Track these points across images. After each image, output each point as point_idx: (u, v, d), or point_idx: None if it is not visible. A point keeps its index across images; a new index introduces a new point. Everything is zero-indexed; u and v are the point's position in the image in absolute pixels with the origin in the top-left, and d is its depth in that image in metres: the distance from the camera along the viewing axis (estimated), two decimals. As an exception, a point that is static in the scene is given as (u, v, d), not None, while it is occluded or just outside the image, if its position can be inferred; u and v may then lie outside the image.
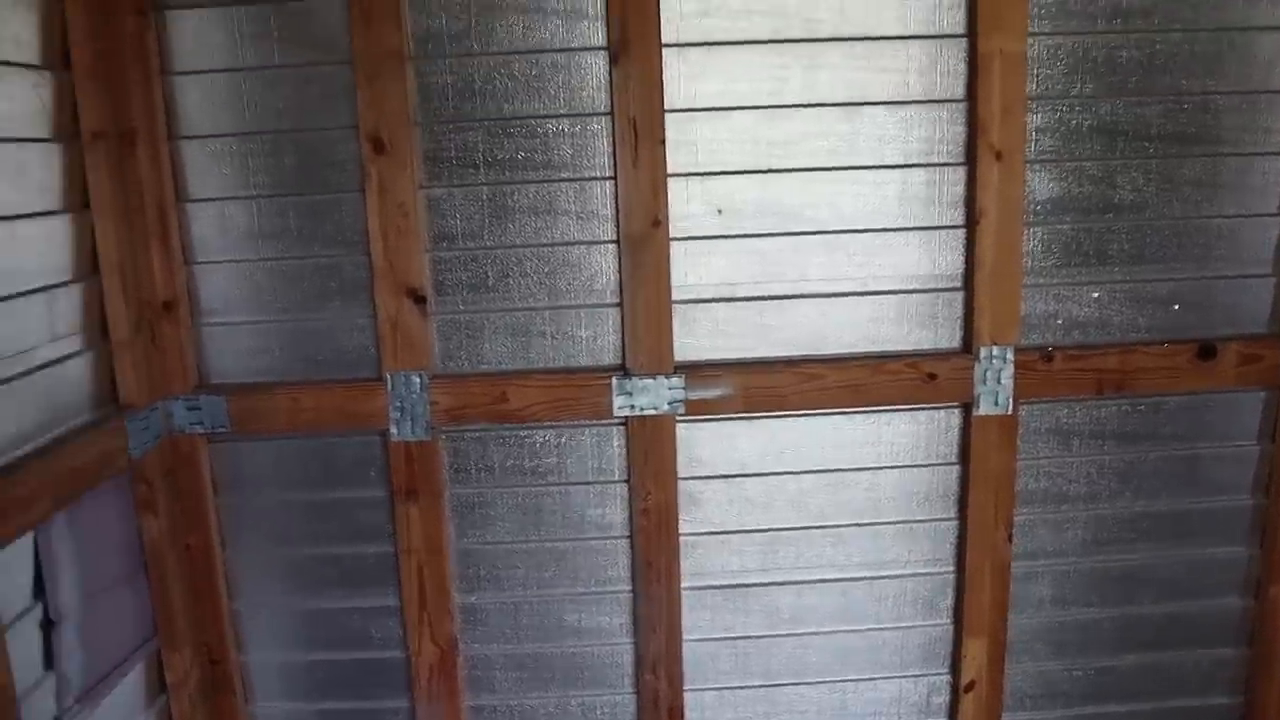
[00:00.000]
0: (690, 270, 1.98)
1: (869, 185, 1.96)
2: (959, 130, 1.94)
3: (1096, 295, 2.01)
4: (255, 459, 2.06)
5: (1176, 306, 2.03)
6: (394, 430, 2.00)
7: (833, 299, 2.01)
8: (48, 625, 1.65)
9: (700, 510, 2.08)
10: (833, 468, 2.08)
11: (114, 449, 1.81)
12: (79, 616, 1.71)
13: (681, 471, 2.06)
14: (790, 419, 2.04)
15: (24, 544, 1.58)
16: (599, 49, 1.90)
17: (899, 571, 2.14)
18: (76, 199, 1.80)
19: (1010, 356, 1.99)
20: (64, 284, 1.77)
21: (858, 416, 2.06)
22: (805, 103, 1.93)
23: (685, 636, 2.13)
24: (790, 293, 2.00)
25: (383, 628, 2.13)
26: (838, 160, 1.96)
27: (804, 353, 2.03)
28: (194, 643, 2.06)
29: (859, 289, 2.01)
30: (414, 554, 2.06)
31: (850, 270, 2.00)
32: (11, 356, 1.56)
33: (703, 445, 2.05)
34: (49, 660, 1.65)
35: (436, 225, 1.96)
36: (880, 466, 2.08)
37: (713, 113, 1.93)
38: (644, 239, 1.92)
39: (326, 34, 1.87)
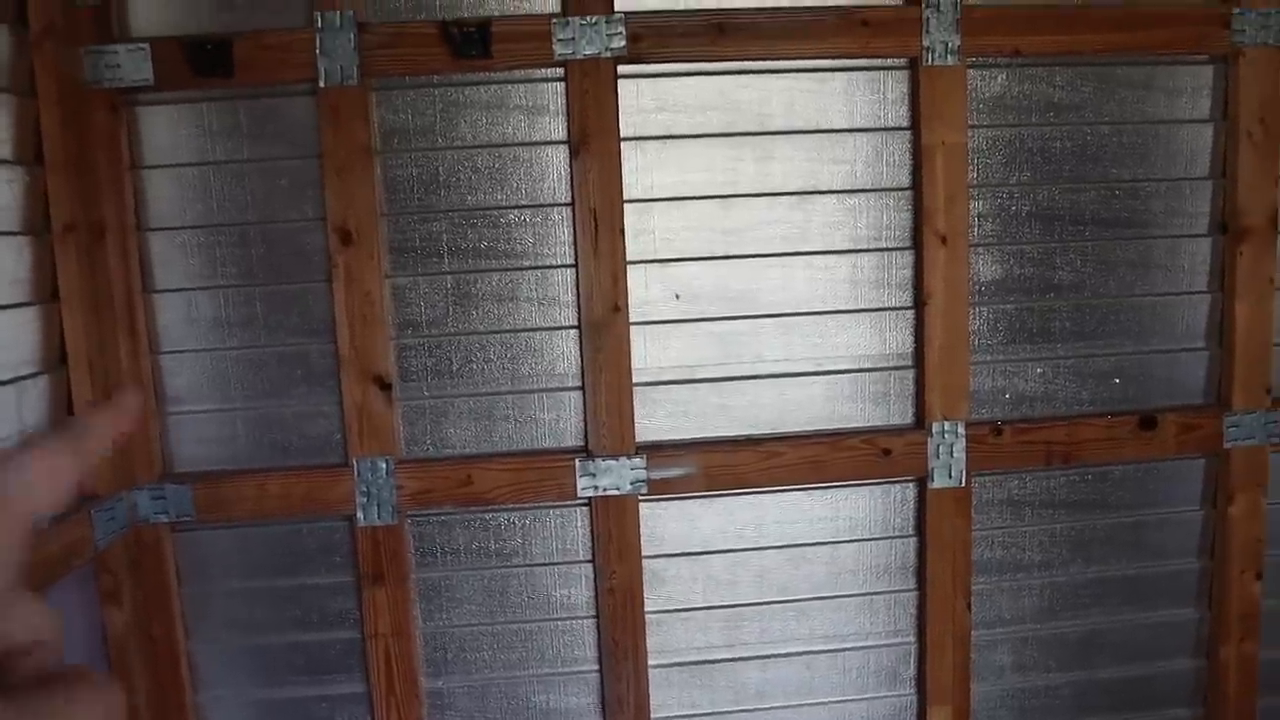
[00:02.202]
0: (650, 353, 2.18)
1: (821, 269, 2.19)
2: (905, 216, 2.19)
3: (1041, 371, 2.25)
4: (220, 547, 2.22)
5: (1117, 380, 2.28)
6: (360, 515, 2.17)
7: (789, 379, 2.23)
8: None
9: (665, 588, 2.27)
10: (793, 543, 2.28)
11: (80, 540, 1.95)
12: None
13: (645, 550, 2.25)
14: (751, 496, 2.25)
15: None
16: (560, 143, 2.11)
17: (861, 643, 2.34)
18: (46, 291, 1.96)
19: (961, 431, 2.22)
20: (33, 375, 1.92)
21: (816, 492, 2.27)
22: (758, 192, 2.16)
23: (653, 715, 2.31)
24: (748, 373, 2.21)
25: (350, 715, 2.27)
26: (790, 246, 2.18)
27: (763, 431, 2.24)
28: None
29: (814, 369, 2.23)
30: (381, 639, 2.22)
31: (805, 351, 2.22)
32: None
33: (666, 524, 2.25)
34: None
35: (402, 313, 2.15)
36: (839, 540, 2.29)
37: (670, 202, 2.15)
38: (605, 324, 2.14)
39: (295, 129, 2.07)
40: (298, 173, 2.07)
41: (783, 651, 2.30)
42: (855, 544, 2.27)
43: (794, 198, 2.14)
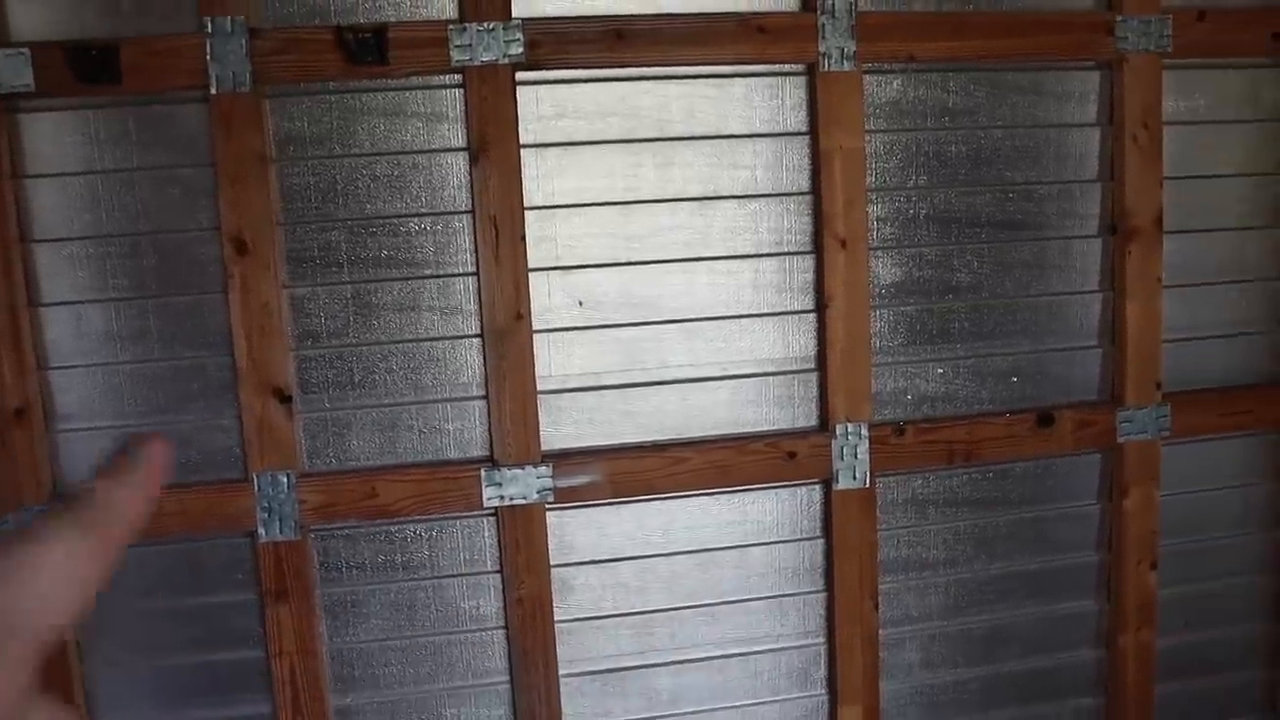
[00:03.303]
0: (554, 361, 2.26)
1: (723, 274, 2.28)
2: (806, 221, 2.29)
3: (942, 371, 2.38)
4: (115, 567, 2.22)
5: (1015, 379, 2.41)
6: (262, 531, 2.21)
7: (694, 384, 2.32)
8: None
9: (574, 596, 2.34)
10: (702, 548, 2.37)
11: None
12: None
13: (554, 559, 2.32)
14: (658, 502, 2.33)
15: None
16: (459, 150, 2.18)
17: (772, 646, 2.44)
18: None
19: (865, 432, 2.33)
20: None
21: (723, 496, 2.36)
22: (659, 198, 2.25)
23: (565, 723, 2.37)
24: (653, 379, 2.30)
25: (255, 735, 2.30)
26: (693, 252, 2.27)
27: (669, 437, 2.32)
28: None
29: (719, 373, 2.32)
30: (286, 657, 2.26)
31: (709, 356, 2.31)
32: None
33: (574, 532, 2.32)
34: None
35: (301, 324, 2.19)
36: (747, 544, 2.38)
37: (571, 209, 2.23)
38: (507, 332, 2.20)
39: (187, 137, 2.10)
40: (190, 181, 2.10)
41: (694, 657, 2.39)
42: (763, 547, 2.36)
43: (695, 203, 2.23)
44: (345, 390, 2.20)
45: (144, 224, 2.13)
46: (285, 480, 2.17)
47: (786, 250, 2.26)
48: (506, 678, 2.32)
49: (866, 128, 2.22)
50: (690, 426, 2.29)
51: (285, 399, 2.16)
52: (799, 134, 2.22)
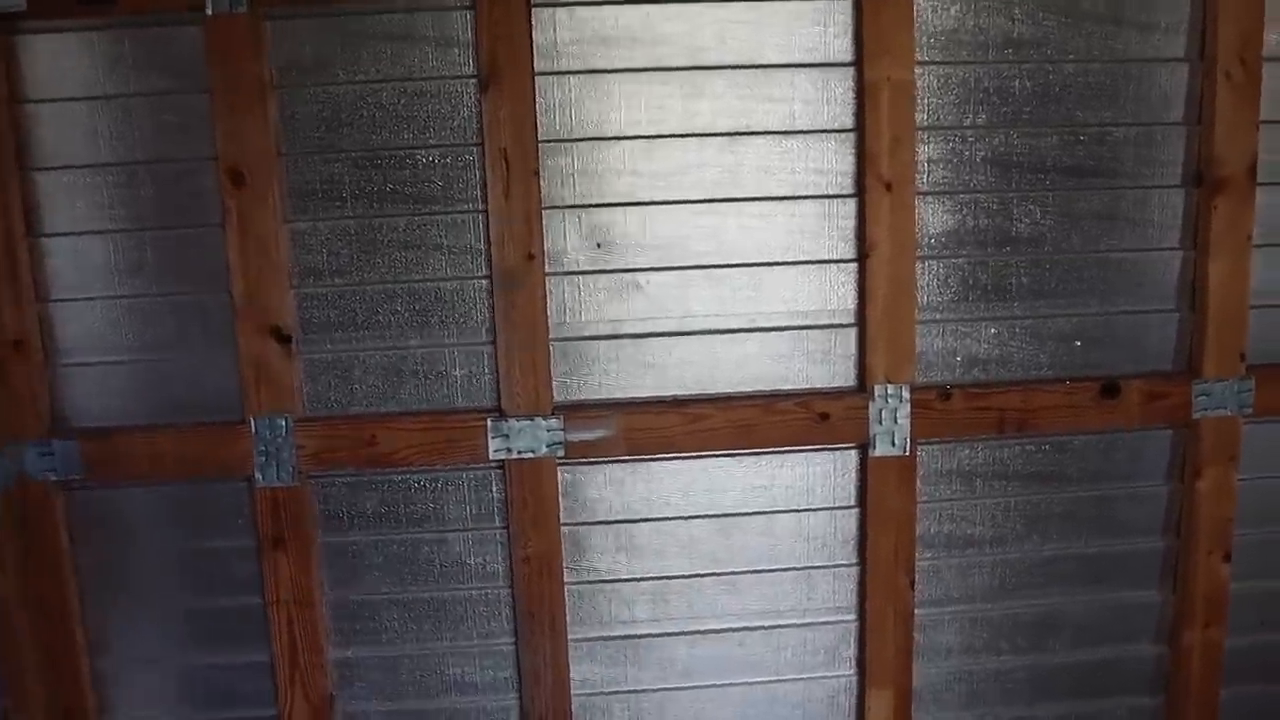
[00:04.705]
0: (569, 307, 2.20)
1: (754, 218, 2.19)
2: (848, 161, 2.18)
3: (995, 331, 2.26)
4: (115, 507, 2.26)
5: (1079, 343, 2.28)
6: (259, 476, 2.21)
7: (720, 336, 2.24)
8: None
9: (586, 558, 2.31)
10: (724, 512, 2.31)
11: None
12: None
13: (564, 517, 2.28)
14: (678, 461, 2.27)
15: None
16: (469, 77, 2.11)
17: (798, 620, 2.37)
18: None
19: (906, 395, 2.23)
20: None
21: (749, 459, 2.29)
22: (686, 133, 2.16)
23: (574, 690, 2.35)
24: (675, 329, 2.23)
25: (255, 684, 2.34)
26: (722, 192, 2.18)
27: (691, 392, 2.25)
28: (49, 705, 2.26)
29: (747, 325, 2.24)
30: (283, 606, 2.27)
31: (738, 306, 2.23)
32: None
33: (587, 489, 2.28)
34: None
35: (302, 261, 2.17)
36: (774, 510, 2.31)
37: (590, 143, 2.15)
38: (518, 274, 2.15)
39: (183, 61, 2.09)
40: (188, 109, 2.10)
41: (713, 627, 2.34)
42: (792, 514, 2.29)
43: (725, 139, 2.16)
44: (348, 331, 2.20)
45: (141, 153, 2.14)
46: (283, 424, 2.17)
47: (826, 193, 2.18)
48: (512, 639, 2.30)
49: (919, 58, 2.11)
50: (715, 381, 2.24)
51: (285, 339, 2.15)
52: (843, 64, 2.12)
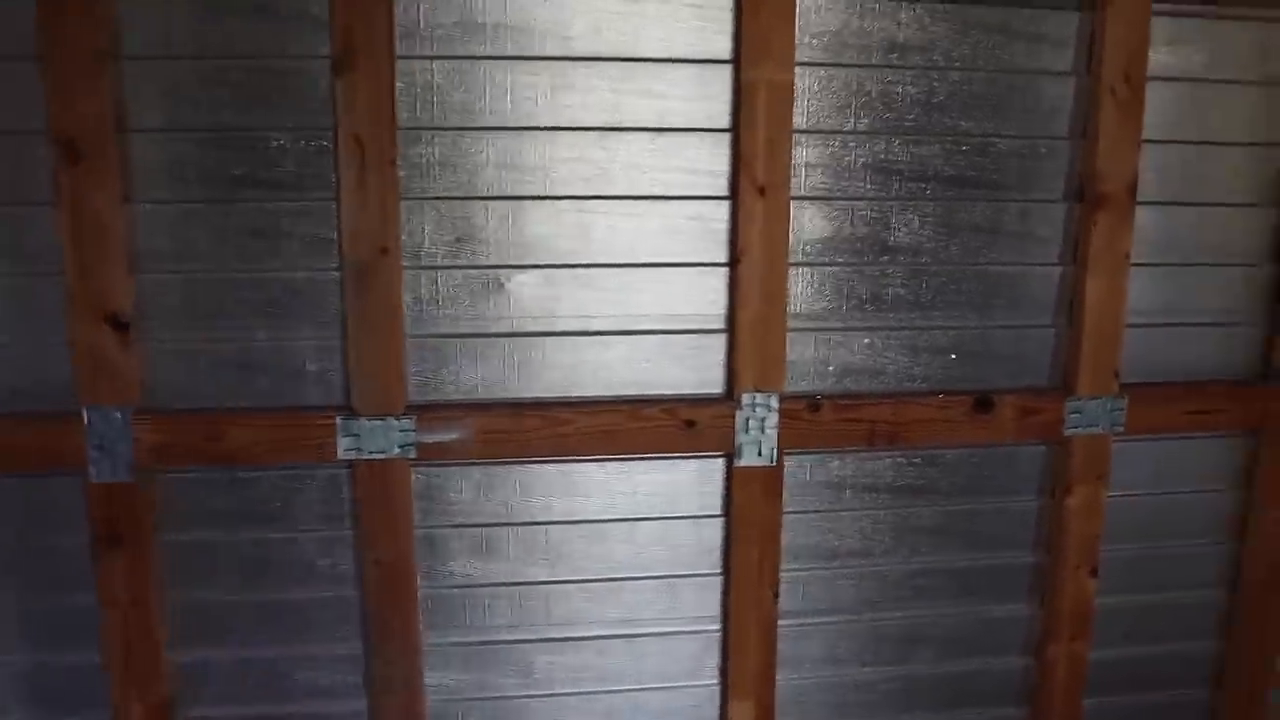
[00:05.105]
0: (426, 303, 2.16)
1: (624, 217, 2.16)
2: (723, 162, 2.16)
3: (869, 342, 2.26)
4: None
5: (954, 356, 2.29)
6: (93, 470, 2.15)
7: (586, 338, 2.21)
8: None
9: (441, 562, 2.28)
10: (585, 518, 2.30)
11: None
12: None
13: (419, 520, 2.25)
14: (539, 465, 2.25)
15: None
16: (324, 57, 2.05)
17: (660, 629, 2.38)
18: None
19: (775, 404, 2.23)
20: None
21: (612, 464, 2.27)
22: (556, 125, 2.11)
23: (429, 696, 2.34)
24: (539, 330, 2.20)
25: (86, 688, 2.30)
26: (591, 190, 2.15)
27: (555, 395, 2.23)
28: None
29: (614, 328, 2.21)
30: (118, 607, 2.22)
31: (605, 308, 2.20)
32: None
33: (444, 492, 2.27)
34: None
35: (143, 244, 2.10)
36: (637, 518, 2.31)
37: (453, 133, 2.10)
38: (370, 268, 2.10)
39: (13, 25, 2.00)
40: (18, 77, 1.98)
41: (572, 635, 2.34)
42: (655, 522, 2.29)
43: (597, 134, 2.12)
44: (193, 321, 2.17)
45: None
46: (119, 416, 2.11)
47: (698, 194, 2.16)
48: (363, 644, 2.26)
49: (800, 59, 2.09)
50: (580, 385, 2.22)
51: (122, 326, 2.07)
52: (721, 62, 2.09)
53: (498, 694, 2.36)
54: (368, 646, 2.28)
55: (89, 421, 2.10)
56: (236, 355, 2.15)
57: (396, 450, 2.14)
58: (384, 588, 2.23)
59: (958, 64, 2.14)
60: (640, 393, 2.22)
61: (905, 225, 2.19)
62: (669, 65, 2.09)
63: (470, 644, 2.33)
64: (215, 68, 2.04)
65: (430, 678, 2.32)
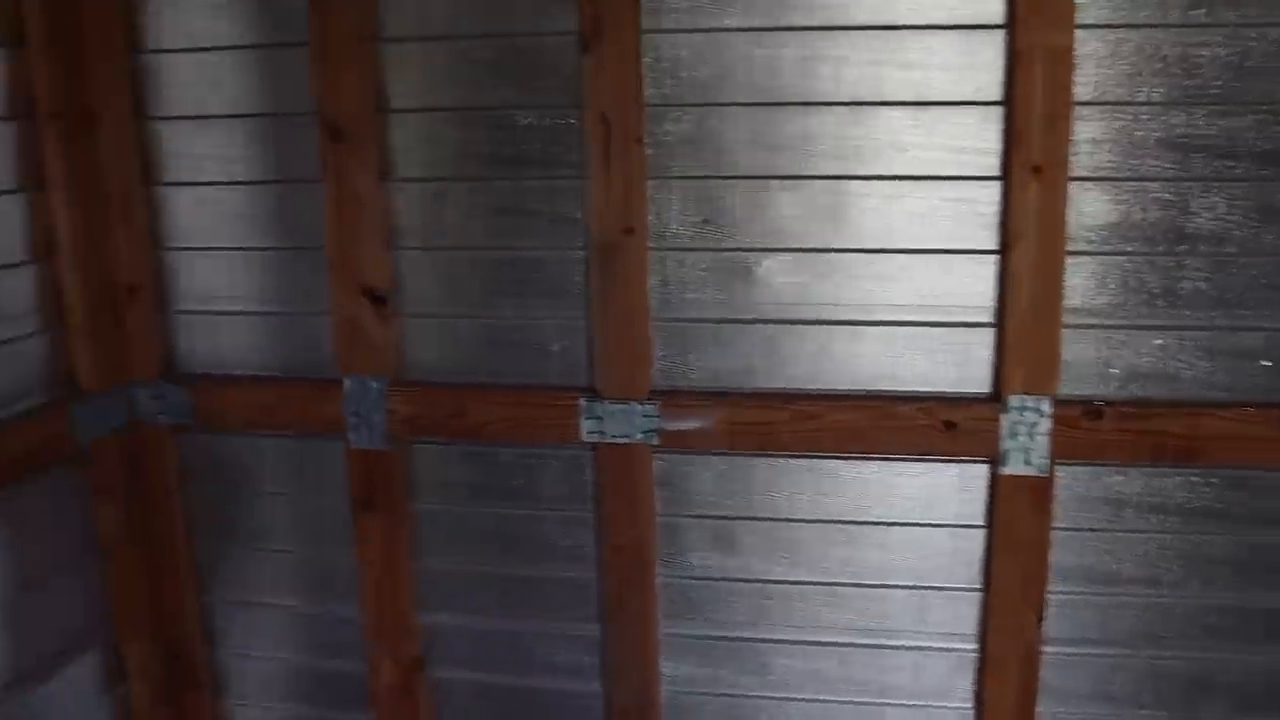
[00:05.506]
0: (672, 286, 2.17)
1: (881, 198, 2.07)
2: (993, 139, 2.02)
3: (1160, 343, 2.05)
4: (222, 453, 2.46)
5: (1266, 363, 2.04)
6: (351, 437, 2.32)
7: (836, 327, 2.14)
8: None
9: (680, 552, 2.29)
10: (831, 519, 2.23)
11: (58, 435, 2.21)
12: (4, 608, 2.12)
13: (660, 508, 2.27)
14: (785, 460, 2.21)
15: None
16: (571, 34, 2.08)
17: (908, 643, 2.28)
18: (33, 179, 2.16)
19: (1047, 409, 2.07)
20: (18, 264, 2.16)
21: (861, 464, 2.19)
22: (808, 100, 2.05)
23: (664, 686, 2.37)
24: (787, 317, 2.15)
25: (347, 638, 2.49)
26: (846, 169, 2.07)
27: (801, 387, 2.18)
28: (154, 635, 2.50)
29: (867, 318, 2.13)
30: (372, 567, 2.39)
31: (858, 296, 2.12)
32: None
33: (685, 481, 2.26)
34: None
35: (401, 222, 2.23)
36: (887, 522, 2.21)
37: (701, 109, 2.08)
38: (615, 248, 2.13)
39: (288, 15, 2.18)
40: (290, 62, 2.16)
41: (814, 639, 2.28)
42: (906, 528, 2.20)
43: (851, 109, 2.04)
44: (443, 297, 2.29)
45: (260, 104, 2.30)
46: (375, 387, 2.24)
47: (964, 174, 2.02)
48: (600, 626, 2.31)
49: (1081, 20, 1.90)
50: (829, 377, 2.19)
51: (379, 299, 2.21)
52: (990, 26, 1.94)
53: (733, 691, 2.35)
54: (605, 629, 2.32)
55: (348, 390, 2.23)
56: (484, 332, 2.23)
57: (639, 435, 2.16)
58: (623, 573, 2.26)
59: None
60: (893, 388, 2.11)
61: (1208, 210, 1.96)
62: (932, 32, 1.97)
63: (707, 637, 2.32)
64: (468, 47, 2.11)
65: (666, 667, 2.33)
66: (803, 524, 2.22)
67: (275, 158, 2.26)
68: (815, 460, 2.17)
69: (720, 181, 2.09)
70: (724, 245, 2.10)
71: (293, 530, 2.46)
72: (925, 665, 2.24)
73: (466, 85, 2.14)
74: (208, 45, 2.23)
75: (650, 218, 2.10)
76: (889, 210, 2.05)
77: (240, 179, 2.28)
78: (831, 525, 2.21)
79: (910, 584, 2.22)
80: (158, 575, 2.44)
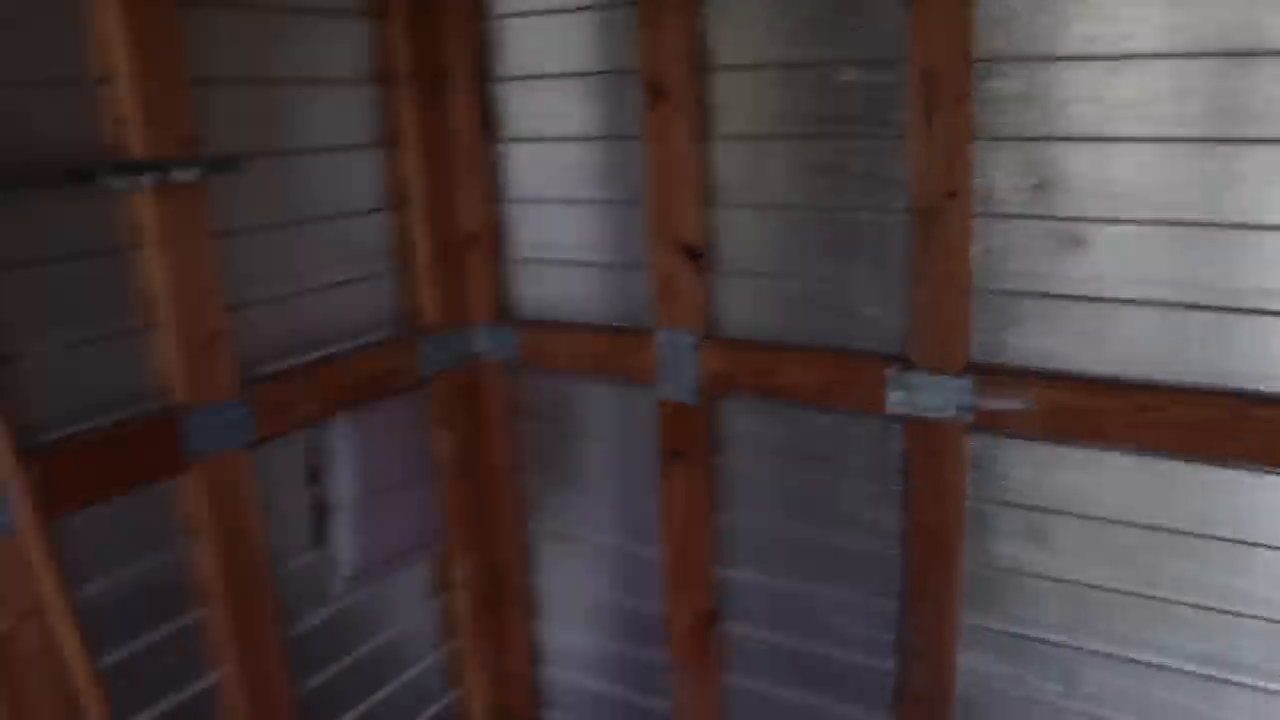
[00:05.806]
0: (997, 254, 2.00)
1: (1257, 166, 1.78)
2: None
3: None
4: (547, 391, 2.62)
5: None
6: (662, 387, 2.35)
7: (1185, 311, 1.89)
8: (321, 511, 2.29)
9: (988, 540, 2.14)
10: (1169, 527, 1.98)
11: (405, 365, 2.43)
12: (355, 508, 2.34)
13: (970, 490, 2.12)
14: (1113, 454, 2.00)
15: (307, 435, 2.24)
16: (895, -20, 1.93)
17: (1255, 681, 1.99)
18: (391, 136, 2.38)
19: None
20: (375, 210, 2.37)
21: (1209, 469, 1.94)
22: (1165, 52, 1.80)
23: (960, 677, 2.24)
24: (1125, 296, 1.91)
25: (650, 582, 2.57)
26: (1211, 129, 1.80)
27: (1138, 375, 1.95)
28: (479, 553, 2.71)
29: (1226, 303, 1.84)
30: (675, 516, 2.42)
31: (1215, 278, 1.84)
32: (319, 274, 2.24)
33: (997, 465, 2.10)
34: (318, 541, 2.30)
35: (717, 179, 2.21)
36: (1244, 541, 1.93)
37: (1036, 63, 1.88)
38: (936, 212, 1.98)
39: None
40: (615, 24, 2.29)
41: (1136, 657, 2.07)
42: (1269, 551, 1.91)
43: (1219, 60, 1.78)
44: (757, 254, 2.25)
45: (604, 62, 2.38)
46: (687, 340, 2.27)
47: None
48: (898, 604, 2.24)
49: None
50: (1173, 366, 1.93)
51: (694, 255, 2.21)
52: None
53: (1034, 696, 2.18)
54: (903, 608, 2.24)
55: (660, 342, 2.25)
56: (797, 292, 2.20)
57: (951, 411, 2.04)
58: (925, 553, 2.18)
59: None
60: (1255, 386, 1.82)
61: None
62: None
63: (1011, 634, 2.18)
64: (789, 3, 2.01)
65: (963, 658, 2.21)
66: (1131, 528, 1.99)
67: (603, 115, 2.31)
68: (1149, 459, 1.91)
69: (1054, 142, 1.89)
70: (1056, 213, 1.92)
71: (605, 471, 2.55)
72: (1270, 712, 1.92)
73: (787, 42, 2.07)
74: (546, 9, 2.32)
75: (976, 181, 1.89)
76: (1267, 179, 1.75)
77: (571, 135, 2.36)
78: (1169, 535, 1.96)
79: (1267, 616, 1.91)
80: (485, 499, 2.60)
